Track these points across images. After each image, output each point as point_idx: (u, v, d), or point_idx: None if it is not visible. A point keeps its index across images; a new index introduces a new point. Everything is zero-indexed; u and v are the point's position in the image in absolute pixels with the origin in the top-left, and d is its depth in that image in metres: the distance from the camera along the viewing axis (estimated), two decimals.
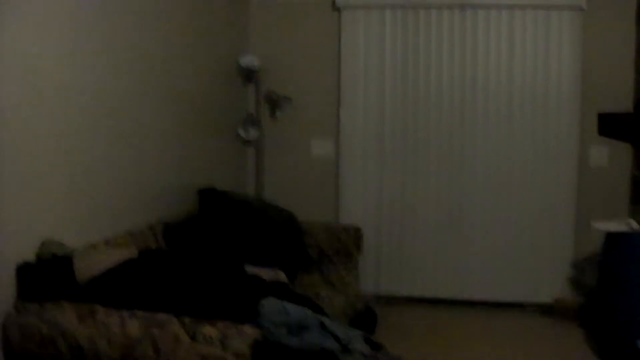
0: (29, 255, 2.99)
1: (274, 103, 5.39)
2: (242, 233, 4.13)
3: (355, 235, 4.86)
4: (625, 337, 4.17)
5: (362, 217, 5.34)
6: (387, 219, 5.41)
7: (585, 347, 4.62)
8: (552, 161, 5.20)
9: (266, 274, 3.21)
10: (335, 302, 3.92)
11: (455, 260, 5.39)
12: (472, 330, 4.95)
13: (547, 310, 5.28)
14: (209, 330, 2.59)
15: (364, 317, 4.61)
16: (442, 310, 5.33)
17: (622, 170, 5.19)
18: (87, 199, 3.44)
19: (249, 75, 5.38)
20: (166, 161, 4.27)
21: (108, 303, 2.79)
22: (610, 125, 5.11)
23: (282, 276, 3.27)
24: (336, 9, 5.35)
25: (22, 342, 2.77)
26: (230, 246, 3.97)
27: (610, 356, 4.33)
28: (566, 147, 5.18)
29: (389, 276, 5.46)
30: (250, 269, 3.19)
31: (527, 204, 5.27)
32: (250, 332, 2.59)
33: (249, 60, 5.15)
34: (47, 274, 2.88)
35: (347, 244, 4.78)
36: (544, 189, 5.24)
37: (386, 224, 5.41)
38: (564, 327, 5.01)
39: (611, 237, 4.40)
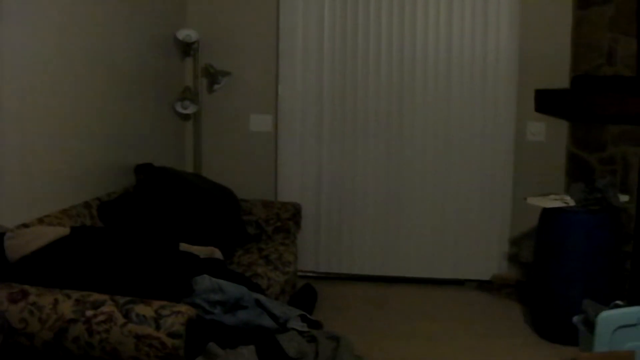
0: None
1: (212, 77, 5.32)
2: (180, 210, 4.10)
3: (294, 212, 4.86)
4: (561, 314, 4.24)
5: (301, 194, 5.34)
6: (326, 196, 5.41)
7: (524, 322, 4.69)
8: (490, 137, 5.24)
9: (201, 251, 3.18)
10: (273, 280, 3.92)
11: (394, 237, 5.42)
12: (412, 307, 4.99)
13: (485, 286, 5.36)
14: (142, 309, 2.57)
15: (303, 295, 4.62)
16: (382, 288, 5.35)
17: (558, 146, 5.26)
18: (20, 177, 3.37)
19: (186, 49, 5.31)
20: (102, 137, 4.19)
21: (40, 283, 2.75)
22: (548, 102, 5.17)
23: (217, 253, 3.25)
24: None
25: None
26: (167, 223, 3.93)
27: (548, 332, 4.41)
28: (504, 123, 5.22)
29: (328, 253, 5.46)
30: (185, 247, 3.17)
31: (465, 180, 5.31)
32: (184, 310, 2.58)
33: (186, 33, 5.07)
34: None
35: (286, 220, 4.77)
36: (481, 165, 5.28)
37: (325, 201, 5.41)
38: (503, 304, 5.09)
39: (546, 213, 4.46)
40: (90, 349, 2.57)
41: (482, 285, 5.39)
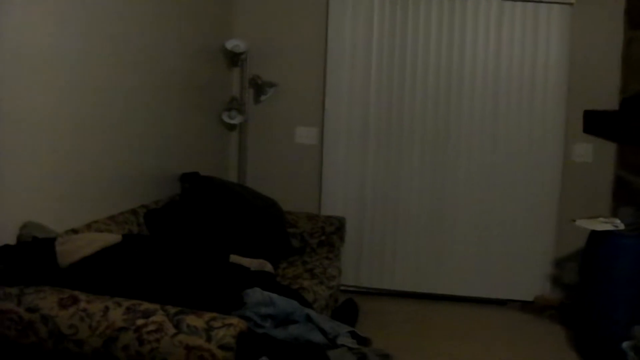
0: (10, 238, 2.92)
1: (259, 88, 5.32)
2: (225, 219, 4.08)
3: (338, 226, 4.81)
4: (607, 338, 4.18)
5: (344, 208, 5.30)
6: (369, 211, 5.36)
7: (567, 345, 4.61)
8: (537, 157, 5.18)
9: (251, 263, 3.15)
10: (319, 294, 3.87)
11: (436, 254, 5.37)
12: (453, 325, 4.93)
13: (528, 307, 5.26)
14: (193, 320, 2.53)
15: (345, 310, 4.57)
16: (423, 305, 5.29)
17: (605, 168, 5.17)
18: (69, 183, 3.37)
19: (234, 59, 5.30)
20: (149, 145, 4.19)
21: (90, 289, 2.73)
22: (596, 123, 5.09)
23: (268, 266, 3.22)
24: None
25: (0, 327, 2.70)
26: (212, 233, 3.91)
27: (592, 356, 4.32)
28: (551, 143, 5.16)
29: (370, 268, 5.42)
30: (235, 258, 3.13)
31: (510, 199, 5.25)
32: (235, 323, 2.53)
33: (234, 44, 5.07)
34: (28, 257, 2.80)
35: (330, 234, 4.73)
36: (527, 185, 5.21)
37: (368, 215, 5.37)
38: (545, 325, 5.00)
39: (595, 236, 4.38)
40: (139, 358, 2.53)
41: (525, 306, 5.30)
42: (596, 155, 5.20)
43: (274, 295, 2.77)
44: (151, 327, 2.52)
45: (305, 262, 4.36)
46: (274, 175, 5.44)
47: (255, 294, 2.74)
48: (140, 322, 2.54)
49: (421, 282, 5.39)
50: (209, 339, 2.47)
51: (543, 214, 5.23)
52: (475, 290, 5.36)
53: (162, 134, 4.36)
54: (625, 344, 3.60)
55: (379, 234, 5.38)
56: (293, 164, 5.46)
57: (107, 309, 2.60)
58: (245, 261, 3.15)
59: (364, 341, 2.91)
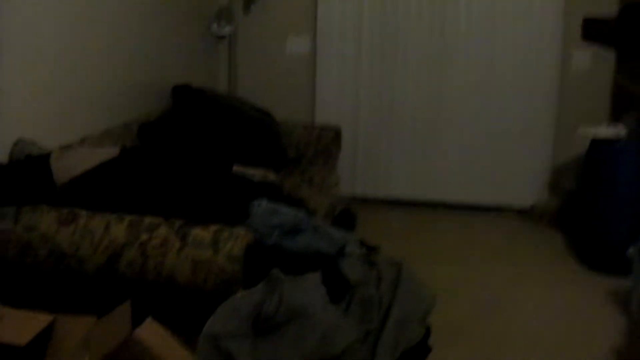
0: (1, 157, 2.80)
1: None
2: (220, 131, 3.97)
3: (334, 135, 4.71)
4: (607, 244, 4.21)
5: (338, 117, 5.17)
6: (364, 119, 5.26)
7: (566, 252, 4.59)
8: (535, 64, 5.06)
9: (255, 173, 3.05)
10: (318, 203, 3.79)
11: (433, 162, 5.29)
12: (451, 233, 4.91)
13: (525, 214, 5.24)
14: (200, 233, 2.45)
15: (343, 219, 4.49)
16: (420, 213, 5.25)
17: (604, 76, 5.06)
18: (60, 98, 3.24)
19: None
20: (139, 58, 4.06)
21: (90, 206, 2.63)
22: (595, 30, 4.96)
23: (271, 176, 3.12)
24: None
25: None
26: (207, 145, 3.80)
27: (592, 261, 4.31)
28: (549, 50, 5.03)
29: (365, 177, 5.35)
30: (239, 169, 3.03)
31: (508, 106, 5.14)
32: (243, 234, 2.46)
33: None
34: (23, 176, 2.69)
35: (327, 143, 4.63)
36: (525, 92, 5.10)
37: (362, 124, 5.26)
38: (544, 232, 4.98)
39: (597, 143, 4.33)
40: (144, 274, 2.46)
41: (522, 213, 5.26)
42: (595, 63, 5.07)
43: (280, 206, 2.68)
44: (155, 242, 2.44)
45: (303, 172, 4.27)
46: (265, 86, 5.30)
47: (262, 205, 2.65)
48: (144, 237, 2.46)
49: (417, 189, 5.34)
50: (216, 252, 2.40)
51: (541, 121, 5.13)
52: (472, 197, 5.31)
53: (152, 47, 4.21)
54: (630, 250, 3.57)
55: (374, 142, 5.29)
56: (285, 74, 5.32)
57: (109, 224, 2.51)
58: (249, 171, 3.04)
59: (372, 249, 2.84)
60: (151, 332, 1.99)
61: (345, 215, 4.60)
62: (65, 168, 2.70)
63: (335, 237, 2.74)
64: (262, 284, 2.35)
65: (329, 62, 5.19)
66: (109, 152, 2.83)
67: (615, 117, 4.88)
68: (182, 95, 4.20)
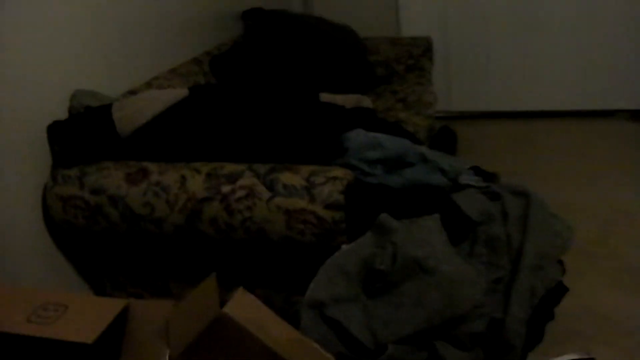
0: (60, 113, 2.47)
1: None
2: (298, 56, 3.55)
3: (426, 47, 4.23)
4: None
5: (426, 27, 4.68)
6: (455, 27, 4.75)
7: None
8: None
9: (345, 100, 2.63)
10: (417, 125, 3.36)
11: (534, 67, 4.75)
12: (561, 144, 4.40)
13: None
14: (290, 178, 2.07)
15: (442, 139, 4.06)
16: (524, 125, 4.74)
17: None
18: (116, 38, 2.86)
19: None
20: None
21: (160, 158, 2.28)
22: None
23: (365, 101, 2.69)
24: None
25: (65, 216, 2.30)
26: (288, 72, 3.41)
27: None
28: None
29: (461, 91, 4.87)
30: (326, 97, 2.62)
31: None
32: (341, 175, 2.07)
33: None
34: (83, 132, 2.35)
35: (418, 57, 4.16)
36: None
37: (454, 32, 4.75)
38: None
39: None
40: (231, 231, 2.11)
41: (636, 115, 4.68)
42: None
43: (380, 135, 2.27)
44: (240, 194, 2.08)
45: (395, 91, 3.83)
46: (343, 1, 4.81)
47: (359, 136, 2.25)
48: (225, 189, 2.10)
49: (519, 99, 4.83)
50: (312, 199, 2.02)
51: None
52: (578, 102, 4.77)
53: None
54: None
55: (468, 52, 4.79)
56: None
57: (184, 178, 2.16)
58: (339, 98, 2.62)
59: (490, 177, 2.42)
60: (243, 306, 1.63)
61: (445, 135, 4.18)
62: (129, 117, 2.35)
63: (448, 166, 2.33)
64: (370, 233, 1.97)
65: None
66: (176, 93, 2.46)
67: None
68: (254, 20, 3.81)
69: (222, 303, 1.55)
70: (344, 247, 1.96)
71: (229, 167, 2.15)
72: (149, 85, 2.89)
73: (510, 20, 4.69)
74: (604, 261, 3.01)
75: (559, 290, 2.16)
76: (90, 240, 2.45)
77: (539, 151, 4.29)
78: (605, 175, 3.90)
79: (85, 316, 1.57)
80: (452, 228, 2.08)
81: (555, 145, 4.38)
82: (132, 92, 2.75)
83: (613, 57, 4.64)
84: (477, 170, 2.43)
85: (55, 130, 2.36)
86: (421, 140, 2.97)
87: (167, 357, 1.56)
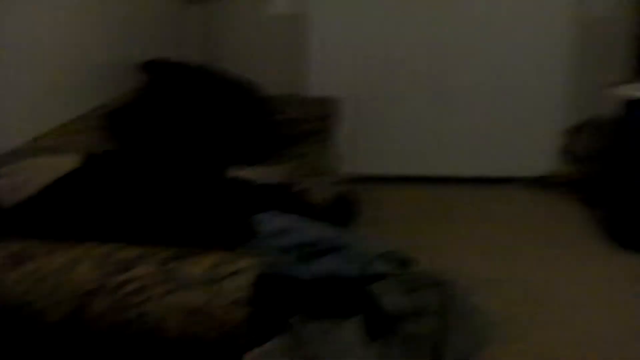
0: None
1: None
2: (200, 113, 3.35)
3: (334, 108, 4.11)
4: None
5: (335, 87, 4.53)
6: (364, 89, 4.69)
7: (590, 223, 4.16)
8: (545, 12, 4.55)
9: (256, 174, 2.42)
10: (326, 192, 3.19)
11: (438, 133, 4.81)
12: (464, 209, 4.44)
13: (537, 183, 4.74)
14: (191, 268, 1.85)
15: (341, 206, 3.90)
16: (427, 189, 4.74)
17: (624, 23, 4.55)
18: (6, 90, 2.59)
19: None
20: (100, 32, 3.39)
21: (46, 235, 2.02)
22: None
23: (278, 175, 2.49)
24: None
25: None
26: (189, 131, 3.19)
27: (629, 238, 3.78)
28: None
29: (367, 154, 4.79)
30: (235, 171, 2.41)
31: (516, 66, 4.65)
32: (248, 265, 1.86)
33: None
34: None
35: (326, 118, 4.02)
36: (534, 47, 4.61)
37: (363, 94, 4.68)
38: (562, 204, 4.51)
39: (633, 103, 3.77)
40: (125, 327, 1.87)
41: (533, 183, 4.78)
42: (612, 8, 4.54)
43: (296, 219, 2.09)
44: (133, 286, 1.84)
45: (301, 154, 3.67)
46: (245, 54, 4.64)
47: (272, 219, 2.05)
48: (117, 279, 1.86)
49: (423, 164, 4.89)
50: (215, 294, 1.81)
51: (553, 79, 4.64)
52: (481, 169, 4.84)
53: (111, 15, 3.54)
54: None
55: (374, 115, 4.74)
56: (269, 39, 4.65)
57: (72, 263, 1.90)
58: (248, 173, 2.42)
59: (406, 263, 2.27)
60: None
61: (344, 203, 4.01)
62: (14, 187, 2.08)
63: (363, 252, 2.16)
64: (280, 340, 1.76)
65: (320, 23, 4.54)
66: (67, 162, 2.21)
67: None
68: (155, 72, 3.57)
69: None
70: (249, 357, 1.74)
71: (123, 253, 1.91)
72: (34, 143, 2.62)
73: (418, 87, 4.71)
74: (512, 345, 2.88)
75: None
76: None
77: (444, 218, 4.26)
78: (510, 245, 3.88)
79: None
80: (369, 325, 1.91)
81: (459, 211, 4.38)
82: (13, 154, 2.47)
83: (513, 125, 4.74)
84: (392, 256, 2.27)
85: None
86: (329, 211, 2.81)
87: None
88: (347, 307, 1.91)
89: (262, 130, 3.66)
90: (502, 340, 2.70)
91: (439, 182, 4.78)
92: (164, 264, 1.87)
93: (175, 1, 4.42)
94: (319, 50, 4.59)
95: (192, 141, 3.01)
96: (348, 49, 4.60)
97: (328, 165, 3.57)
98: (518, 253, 3.79)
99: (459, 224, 4.17)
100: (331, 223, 2.34)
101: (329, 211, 3.39)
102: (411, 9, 4.55)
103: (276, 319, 1.84)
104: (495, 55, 4.62)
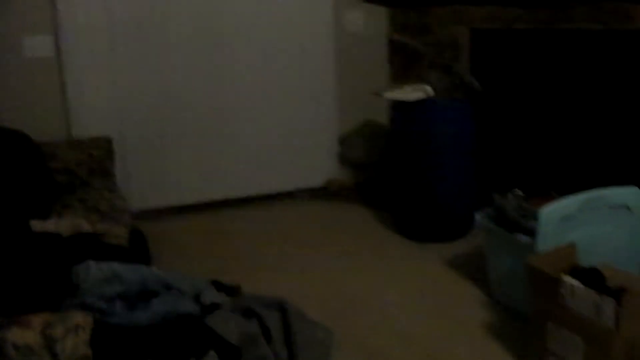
0: None
1: None
2: None
3: (108, 148, 3.97)
4: (436, 211, 4.00)
5: (100, 126, 4.35)
6: (132, 124, 4.49)
7: (381, 225, 4.33)
8: (308, 28, 4.71)
9: (60, 226, 2.28)
10: (119, 236, 3.06)
11: (217, 158, 4.73)
12: (253, 230, 4.40)
13: (320, 193, 4.90)
14: (21, 335, 1.71)
15: (138, 238, 3.79)
16: (213, 215, 4.67)
17: (379, 34, 4.89)
18: None
19: None
20: None
21: None
22: None
23: (84, 225, 2.36)
24: None
25: None
26: None
27: (418, 231, 4.09)
28: (320, 11, 4.71)
29: (143, 188, 4.58)
30: (37, 225, 2.26)
31: (286, 82, 4.74)
32: (81, 321, 1.76)
33: None
34: None
35: (100, 160, 3.87)
36: (302, 63, 4.75)
37: (131, 129, 4.49)
38: (345, 208, 4.68)
39: (404, 106, 4.00)
40: None
41: (316, 193, 4.92)
42: (368, 22, 4.86)
43: (116, 265, 1.99)
44: None
45: (83, 199, 3.51)
46: (5, 100, 4.33)
47: (91, 270, 1.94)
48: None
49: (205, 190, 4.75)
50: (53, 356, 1.68)
51: (321, 90, 4.82)
52: (261, 187, 4.85)
53: None
54: (479, 216, 3.27)
55: (146, 148, 4.56)
56: (24, 83, 4.38)
57: None
58: (51, 225, 2.27)
59: (233, 291, 2.25)
60: None
61: (138, 240, 3.91)
62: None
63: (189, 287, 2.11)
64: None
65: (78, 63, 4.33)
66: None
67: (398, 75, 4.68)
68: None
69: None
70: None
71: None
72: None
73: (192, 114, 4.62)
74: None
75: None
76: None
77: (236, 241, 4.23)
78: (306, 258, 3.92)
79: None
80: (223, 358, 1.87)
81: (249, 232, 4.36)
82: None
83: (290, 141, 4.82)
84: (218, 286, 2.24)
85: None
86: (128, 250, 2.71)
87: None
88: (193, 344, 1.85)
89: (36, 177, 3.47)
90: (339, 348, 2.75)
91: (222, 205, 4.75)
92: None
93: None
94: (78, 91, 4.35)
95: None
96: (111, 87, 4.41)
97: (114, 205, 3.43)
98: (321, 264, 3.82)
99: (256, 243, 4.15)
100: (134, 261, 2.27)
101: (128, 250, 3.30)
102: (178, 44, 4.50)
103: None
104: (265, 75, 4.68)
